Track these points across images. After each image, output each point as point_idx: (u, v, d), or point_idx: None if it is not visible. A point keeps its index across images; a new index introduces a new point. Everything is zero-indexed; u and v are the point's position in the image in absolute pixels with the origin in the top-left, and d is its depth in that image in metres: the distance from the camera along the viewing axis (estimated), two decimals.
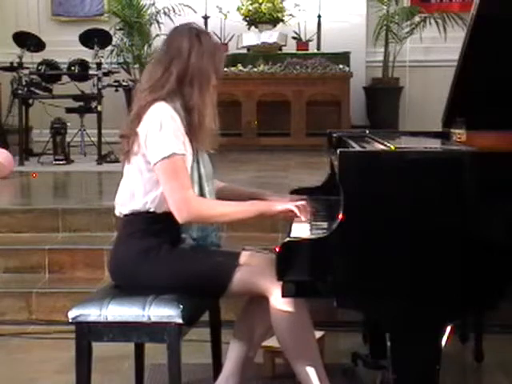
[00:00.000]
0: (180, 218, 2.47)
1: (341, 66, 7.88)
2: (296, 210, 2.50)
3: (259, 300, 2.49)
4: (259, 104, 7.73)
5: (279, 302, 2.39)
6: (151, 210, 2.54)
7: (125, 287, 2.56)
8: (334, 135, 3.05)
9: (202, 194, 2.58)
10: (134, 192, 2.56)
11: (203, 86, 2.55)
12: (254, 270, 2.48)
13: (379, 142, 2.64)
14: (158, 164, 2.47)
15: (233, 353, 2.65)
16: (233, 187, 2.86)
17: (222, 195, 2.68)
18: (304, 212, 2.51)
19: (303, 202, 2.55)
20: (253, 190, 2.89)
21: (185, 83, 2.54)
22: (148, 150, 2.49)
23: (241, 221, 2.66)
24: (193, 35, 2.57)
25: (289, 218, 2.57)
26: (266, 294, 2.43)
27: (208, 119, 2.57)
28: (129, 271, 2.54)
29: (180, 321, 2.40)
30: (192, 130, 2.54)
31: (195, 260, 2.52)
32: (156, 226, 2.53)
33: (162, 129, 2.47)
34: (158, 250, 2.52)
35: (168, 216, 2.49)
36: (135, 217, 2.56)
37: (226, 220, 2.60)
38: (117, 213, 2.64)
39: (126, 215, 2.60)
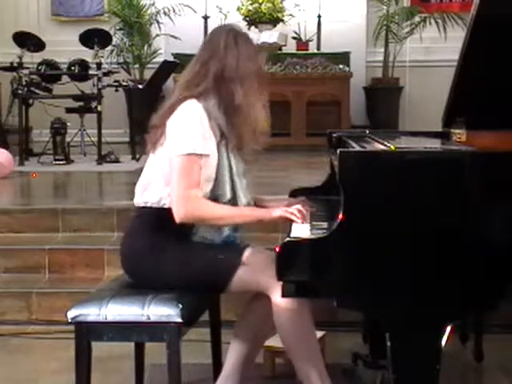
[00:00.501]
0: (177, 214, 2.47)
1: (341, 66, 7.88)
2: (291, 217, 2.49)
3: (261, 299, 2.49)
4: None
5: (282, 301, 2.38)
6: (165, 206, 2.53)
7: (132, 277, 2.58)
8: (334, 135, 3.05)
9: (233, 189, 2.58)
10: (152, 183, 2.57)
11: (246, 87, 2.56)
12: (257, 268, 2.47)
13: (379, 142, 2.64)
14: (175, 158, 2.48)
15: (233, 352, 2.65)
16: None
17: None
18: (300, 215, 2.49)
19: (299, 206, 2.54)
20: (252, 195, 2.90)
21: (222, 83, 2.56)
22: (169, 143, 2.52)
23: (239, 225, 2.66)
24: (230, 36, 2.61)
25: (288, 220, 2.56)
26: (268, 293, 2.43)
27: (255, 119, 2.57)
28: (142, 260, 2.53)
29: (179, 320, 2.40)
30: (234, 129, 2.55)
31: (198, 255, 2.52)
32: (167, 222, 2.50)
33: (187, 126, 2.49)
34: (166, 245, 2.52)
35: None
36: (149, 210, 2.56)
37: (222, 224, 2.59)
38: (134, 201, 2.65)
39: (139, 207, 2.60)
